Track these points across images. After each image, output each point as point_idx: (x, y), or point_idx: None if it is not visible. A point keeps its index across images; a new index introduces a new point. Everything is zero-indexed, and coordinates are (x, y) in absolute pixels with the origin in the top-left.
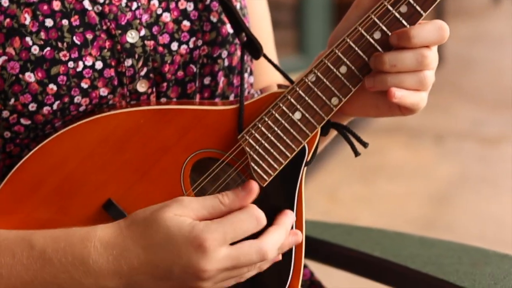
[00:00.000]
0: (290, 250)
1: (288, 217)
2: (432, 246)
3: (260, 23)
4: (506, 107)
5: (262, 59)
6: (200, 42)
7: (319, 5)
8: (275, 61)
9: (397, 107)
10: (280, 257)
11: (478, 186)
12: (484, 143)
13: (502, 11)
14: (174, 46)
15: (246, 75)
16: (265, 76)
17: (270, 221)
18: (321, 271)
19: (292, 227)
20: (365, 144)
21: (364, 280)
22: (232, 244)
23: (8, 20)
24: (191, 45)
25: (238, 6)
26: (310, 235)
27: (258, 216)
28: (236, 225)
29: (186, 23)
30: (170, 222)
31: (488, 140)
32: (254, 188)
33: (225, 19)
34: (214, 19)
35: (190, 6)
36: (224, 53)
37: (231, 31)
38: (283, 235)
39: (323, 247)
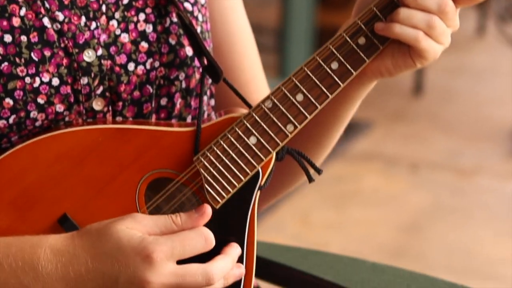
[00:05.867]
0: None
1: (235, 249)
2: (383, 272)
3: (242, 43)
4: (483, 140)
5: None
6: (157, 64)
7: (301, 29)
8: (263, 80)
9: (410, 56)
10: None
11: (450, 216)
12: (459, 174)
13: (486, 43)
14: (131, 66)
15: (205, 97)
16: (231, 99)
17: (221, 242)
18: None
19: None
20: (319, 171)
21: None
22: (181, 264)
23: None
24: (148, 66)
25: (199, 29)
26: (265, 256)
27: (207, 236)
28: (185, 242)
29: (144, 45)
30: (122, 233)
31: (463, 172)
32: (207, 211)
33: (184, 42)
34: (172, 41)
35: (149, 28)
36: (182, 75)
37: (189, 54)
38: (229, 264)
39: (276, 269)
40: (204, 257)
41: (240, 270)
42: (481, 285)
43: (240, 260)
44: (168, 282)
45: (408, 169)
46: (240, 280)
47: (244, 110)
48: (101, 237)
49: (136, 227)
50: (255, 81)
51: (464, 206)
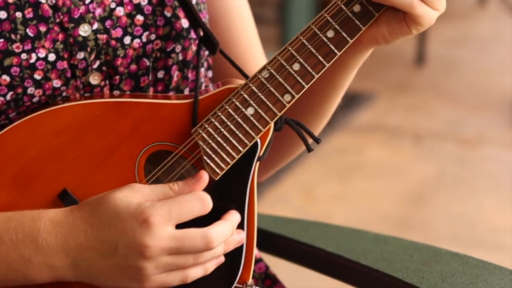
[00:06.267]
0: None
1: (234, 215)
2: (386, 243)
3: (239, 15)
4: (486, 109)
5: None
6: (153, 36)
7: (303, 1)
8: (261, 51)
9: (405, 23)
10: (223, 259)
11: (455, 186)
12: (463, 144)
13: (487, 13)
14: (127, 40)
15: (203, 69)
16: (228, 70)
17: (221, 213)
18: (276, 265)
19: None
20: (317, 140)
21: (318, 274)
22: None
23: None
24: (144, 39)
25: (194, 1)
26: (267, 229)
27: (203, 198)
28: (182, 204)
29: (139, 18)
30: (119, 201)
31: (466, 141)
32: (204, 177)
33: (180, 14)
34: (168, 13)
35: (144, 1)
36: (178, 48)
37: (185, 26)
38: (229, 229)
39: (279, 241)
40: (204, 226)
41: (241, 236)
42: (485, 255)
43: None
44: (167, 246)
45: (412, 140)
46: (242, 251)
47: (242, 81)
48: (99, 206)
49: (134, 195)
50: (252, 52)
51: (468, 176)
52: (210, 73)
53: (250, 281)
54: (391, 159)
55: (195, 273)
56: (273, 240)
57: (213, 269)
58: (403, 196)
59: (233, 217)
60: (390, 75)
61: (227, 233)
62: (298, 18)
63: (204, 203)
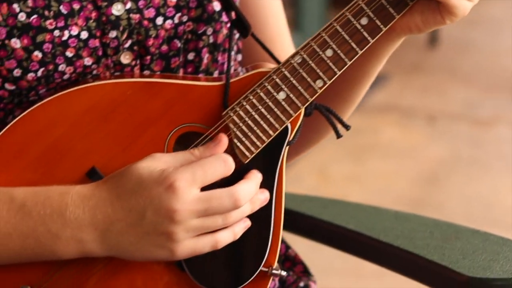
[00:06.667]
0: (268, 226)
1: (256, 174)
2: (406, 220)
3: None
4: (500, 90)
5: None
6: (185, 18)
7: None
8: (288, 36)
9: (439, 13)
10: (249, 223)
11: (469, 167)
12: (477, 125)
13: None
14: (159, 20)
15: (233, 53)
16: (256, 54)
17: None
18: (293, 243)
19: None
20: (347, 127)
21: (334, 251)
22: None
23: None
24: (176, 21)
25: None
26: (287, 207)
27: (225, 159)
28: (205, 167)
29: None
30: (142, 170)
31: (480, 122)
32: (224, 140)
33: None
34: None
35: None
36: (209, 30)
37: (217, 8)
38: (253, 187)
39: (298, 219)
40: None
41: (265, 194)
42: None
43: (268, 214)
44: (194, 208)
45: (426, 121)
46: (269, 234)
47: (272, 65)
48: (123, 178)
49: (156, 164)
50: (280, 37)
51: (482, 157)
52: (239, 57)
53: (276, 265)
54: (405, 140)
55: (225, 237)
56: (293, 218)
57: (241, 234)
58: (417, 177)
59: (256, 175)
60: (403, 56)
61: (252, 190)
62: (310, 0)
63: (226, 164)
